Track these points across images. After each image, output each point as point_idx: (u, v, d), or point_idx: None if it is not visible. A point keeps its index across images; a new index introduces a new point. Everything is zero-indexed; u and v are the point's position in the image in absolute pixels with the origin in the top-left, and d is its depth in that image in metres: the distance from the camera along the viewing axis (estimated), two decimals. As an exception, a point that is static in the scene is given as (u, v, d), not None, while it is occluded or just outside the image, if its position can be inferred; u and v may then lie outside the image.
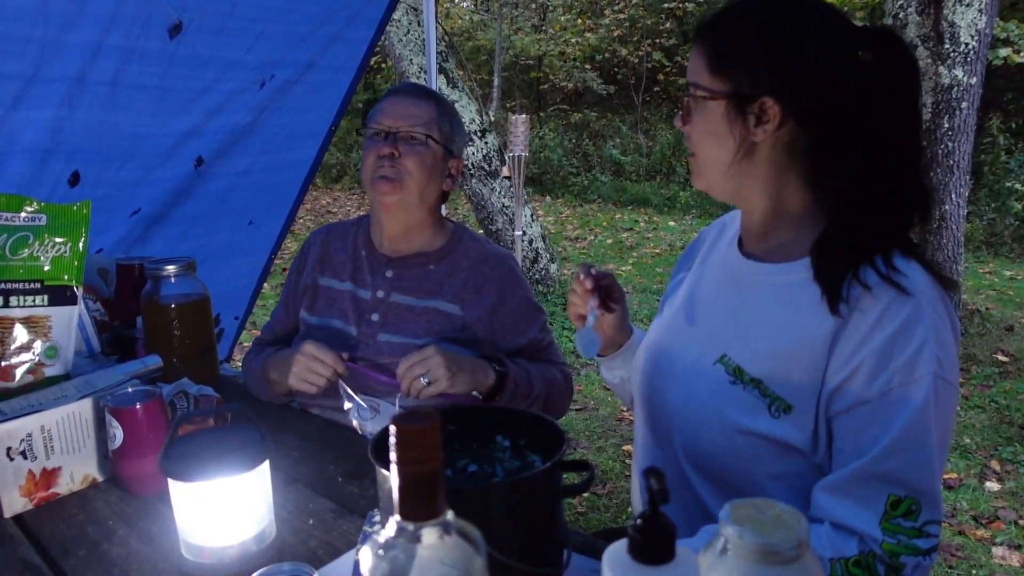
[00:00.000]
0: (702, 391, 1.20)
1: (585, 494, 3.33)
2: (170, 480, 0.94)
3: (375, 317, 1.75)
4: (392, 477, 0.59)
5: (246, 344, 4.27)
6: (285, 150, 3.04)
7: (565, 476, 1.02)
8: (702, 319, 1.30)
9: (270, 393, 1.77)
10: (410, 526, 0.59)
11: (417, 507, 0.59)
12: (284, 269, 6.69)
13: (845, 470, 1.04)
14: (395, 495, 0.59)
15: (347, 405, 1.60)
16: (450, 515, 0.61)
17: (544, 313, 1.86)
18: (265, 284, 3.59)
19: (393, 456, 0.58)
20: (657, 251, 8.09)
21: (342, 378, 1.61)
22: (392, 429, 0.57)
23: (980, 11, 4.72)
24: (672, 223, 9.47)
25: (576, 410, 4.27)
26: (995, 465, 3.60)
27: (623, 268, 7.37)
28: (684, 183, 10.82)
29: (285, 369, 1.65)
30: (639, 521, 0.66)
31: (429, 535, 0.60)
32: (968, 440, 3.84)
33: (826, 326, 1.08)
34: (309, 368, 1.60)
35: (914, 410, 1.02)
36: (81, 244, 1.53)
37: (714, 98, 1.16)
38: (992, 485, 3.42)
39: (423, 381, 1.50)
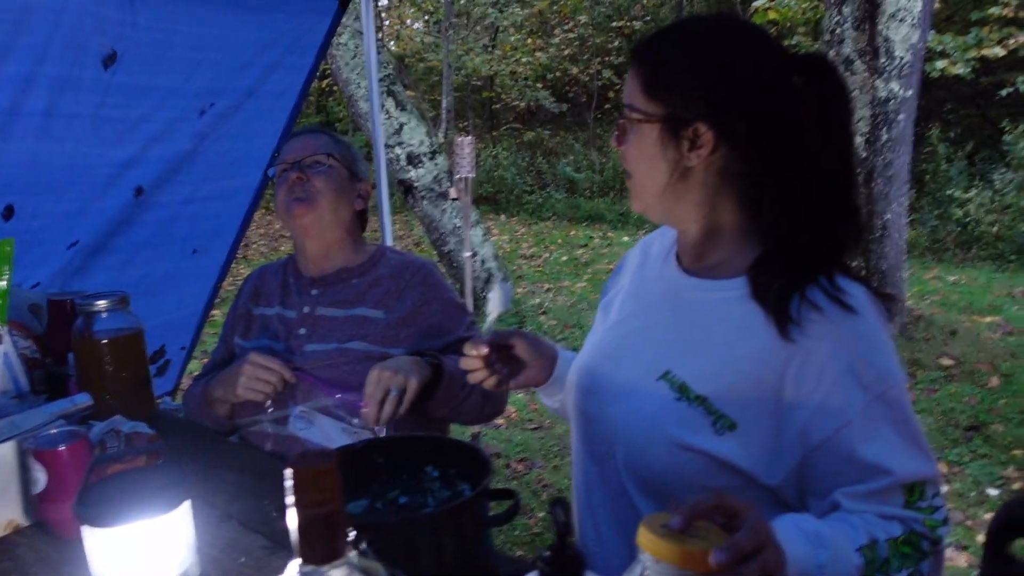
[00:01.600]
0: (646, 408, 1.20)
1: (540, 515, 3.33)
2: (83, 527, 0.92)
3: (302, 331, 1.84)
4: (291, 520, 0.59)
5: (195, 373, 4.21)
6: (228, 177, 3.02)
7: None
8: (641, 334, 1.30)
9: (212, 416, 1.86)
10: (311, 569, 0.59)
11: (317, 550, 0.59)
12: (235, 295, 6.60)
13: (870, 486, 1.06)
14: (294, 538, 0.59)
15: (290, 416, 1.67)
16: (352, 555, 0.61)
17: (470, 314, 1.94)
18: (215, 311, 3.55)
19: (291, 499, 0.58)
20: (612, 267, 8.10)
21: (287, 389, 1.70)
22: (288, 472, 0.57)
23: (913, 26, 4.85)
24: (626, 238, 9.54)
25: (532, 429, 4.27)
26: (942, 467, 3.68)
27: (578, 284, 7.41)
28: (637, 198, 10.90)
29: (231, 382, 1.75)
30: (547, 553, 0.67)
31: (333, 577, 0.60)
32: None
33: (775, 347, 1.09)
34: (256, 376, 1.71)
35: (899, 414, 1.07)
36: (5, 282, 1.50)
37: (648, 121, 1.17)
38: (939, 489, 3.49)
39: (393, 393, 1.55)
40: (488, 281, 6.44)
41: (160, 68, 2.49)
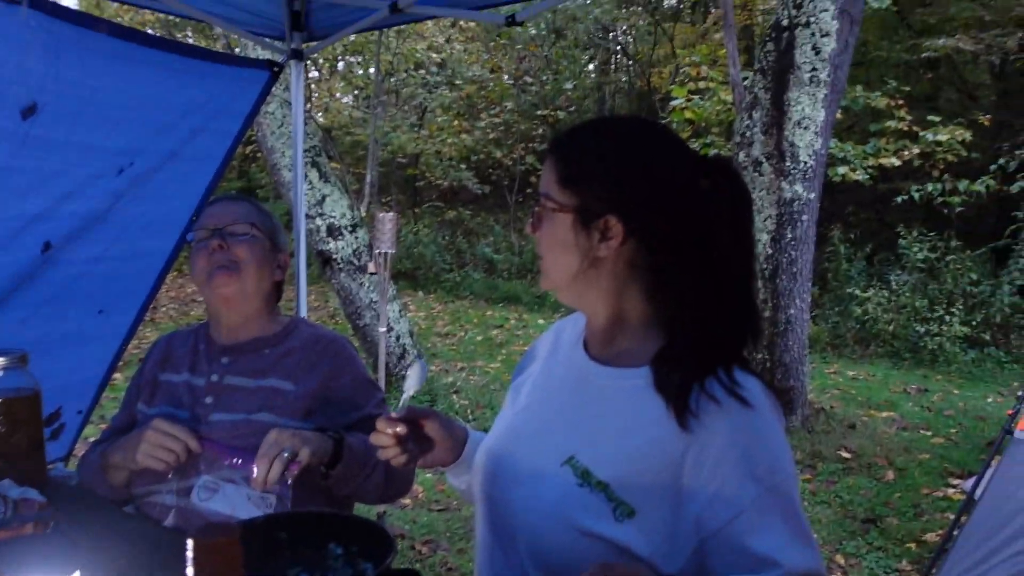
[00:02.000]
0: (549, 493, 1.21)
1: (444, 597, 3.25)
2: (-35, 595, 0.87)
3: (208, 400, 1.79)
4: (193, 591, 0.58)
5: (92, 438, 4.01)
6: (143, 238, 2.94)
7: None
8: (548, 419, 1.31)
9: (108, 484, 1.77)
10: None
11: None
12: (140, 359, 6.37)
13: None
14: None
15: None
16: (255, 628, 0.60)
17: (381, 391, 1.92)
18: (117, 375, 3.42)
19: (191, 571, 0.57)
20: (526, 348, 8.17)
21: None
22: (190, 543, 0.56)
23: (816, 133, 5.18)
24: (541, 321, 9.65)
25: (438, 510, 4.20)
26: (839, 559, 3.76)
27: (492, 365, 7.42)
28: (555, 281, 11.08)
29: (130, 448, 1.67)
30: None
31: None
32: (814, 535, 4.00)
33: (675, 436, 1.13)
34: (159, 443, 1.63)
35: (788, 507, 1.11)
36: None
37: (562, 210, 1.22)
38: (836, 579, 3.56)
39: (285, 455, 1.52)
40: (402, 357, 6.40)
41: (80, 123, 2.44)
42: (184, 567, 1.28)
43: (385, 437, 1.31)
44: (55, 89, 2.32)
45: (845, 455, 5.07)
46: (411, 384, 1.34)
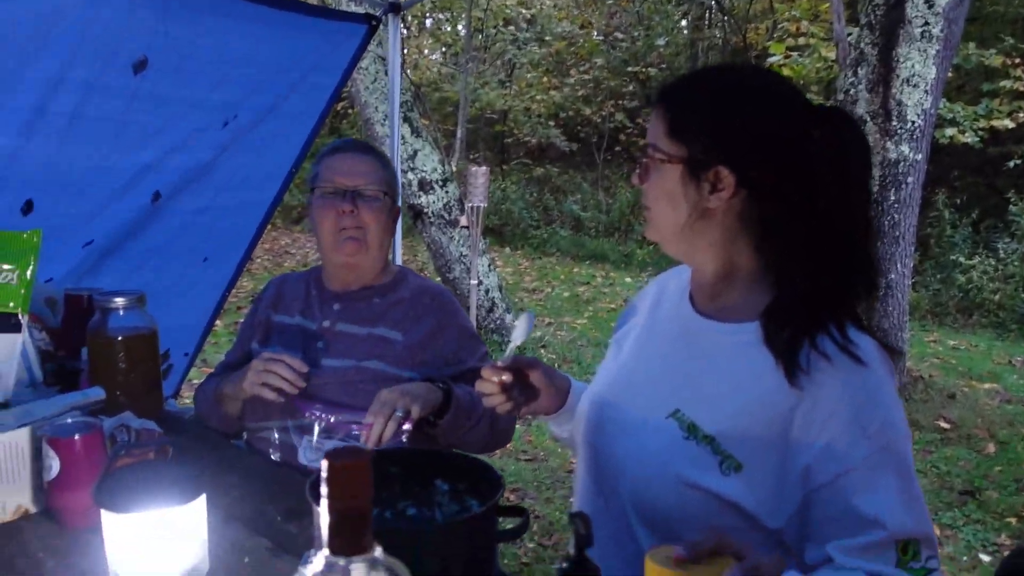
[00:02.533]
0: (654, 445, 1.21)
1: (531, 545, 3.32)
2: (103, 511, 0.93)
3: (320, 344, 1.84)
4: (322, 512, 0.60)
5: (195, 381, 4.20)
6: (244, 190, 3.04)
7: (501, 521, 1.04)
8: (653, 372, 1.31)
9: (221, 414, 1.85)
10: (339, 561, 0.61)
11: (346, 542, 0.60)
12: (239, 307, 6.62)
13: (863, 539, 1.06)
14: (324, 530, 0.60)
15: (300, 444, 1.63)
16: (378, 552, 0.62)
17: (484, 345, 1.94)
18: (218, 322, 3.56)
19: (324, 491, 0.59)
20: (612, 306, 8.17)
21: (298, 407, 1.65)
22: (324, 464, 0.59)
23: (926, 92, 4.93)
24: (628, 279, 9.58)
25: (526, 460, 4.26)
26: (935, 530, 3.66)
27: (579, 321, 7.42)
28: (642, 241, 10.98)
29: (241, 378, 1.71)
30: (564, 564, 0.68)
31: (357, 570, 0.61)
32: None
33: (784, 393, 1.11)
34: (267, 369, 1.66)
35: (900, 468, 1.08)
36: (29, 272, 1.52)
37: (671, 162, 1.20)
38: (930, 550, 3.47)
39: (398, 414, 1.54)
40: (491, 311, 6.46)
41: (187, 78, 2.52)
42: (295, 493, 1.34)
43: (491, 385, 1.33)
44: (164, 45, 2.39)
45: (943, 425, 4.91)
46: (518, 334, 1.35)
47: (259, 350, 1.90)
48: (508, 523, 1.01)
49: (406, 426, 1.56)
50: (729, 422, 1.15)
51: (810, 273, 1.16)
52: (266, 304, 1.98)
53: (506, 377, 1.32)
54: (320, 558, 0.61)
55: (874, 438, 1.08)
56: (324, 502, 0.60)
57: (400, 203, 1.98)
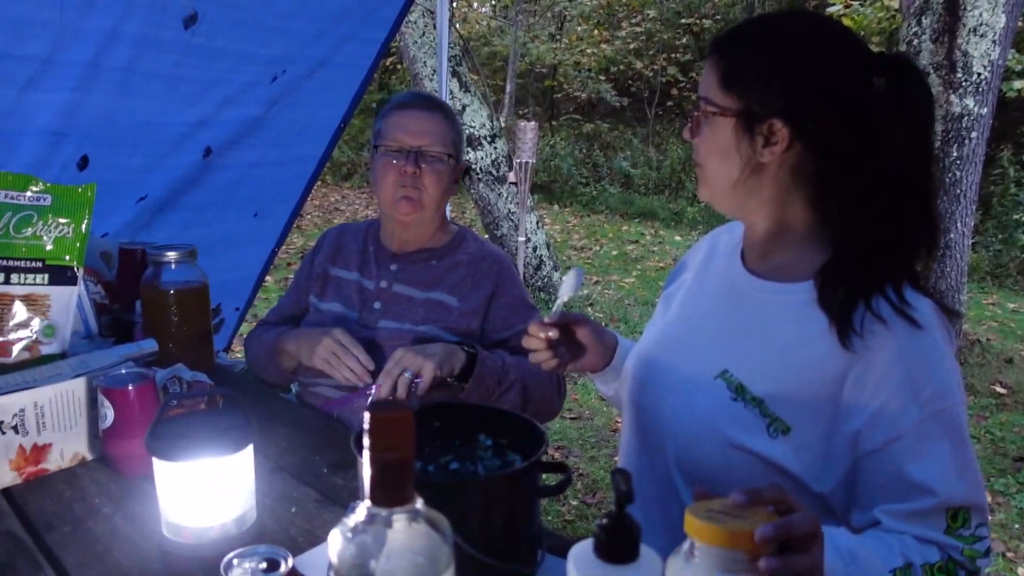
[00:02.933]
0: (701, 405, 1.20)
1: (574, 502, 3.34)
2: (154, 459, 0.96)
3: (377, 305, 1.84)
4: (364, 463, 0.61)
5: (246, 335, 4.29)
6: (294, 144, 3.06)
7: (546, 477, 1.04)
8: (702, 331, 1.29)
9: (276, 366, 1.86)
10: (380, 512, 0.61)
11: (388, 493, 0.61)
12: (289, 263, 6.71)
13: (912, 505, 1.05)
14: (366, 481, 0.61)
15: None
16: (420, 503, 0.63)
17: (537, 314, 1.89)
18: (268, 277, 3.62)
19: (366, 442, 0.60)
20: (662, 265, 8.10)
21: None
22: (366, 416, 0.59)
23: (994, 42, 4.73)
24: (678, 238, 9.48)
25: (571, 419, 4.28)
26: (987, 497, 3.60)
27: (627, 280, 7.38)
28: (692, 198, 10.83)
29: (309, 345, 1.72)
30: (605, 521, 0.68)
31: (399, 521, 0.62)
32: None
33: (837, 355, 1.08)
34: (335, 353, 1.66)
35: (953, 435, 1.05)
36: (84, 226, 1.55)
37: (723, 115, 1.16)
38: (982, 515, 3.42)
39: (408, 375, 1.55)
40: (539, 268, 6.46)
41: (237, 32, 2.53)
42: (342, 446, 1.37)
43: (536, 341, 1.33)
44: (213, -1, 2.40)
45: (1000, 390, 4.79)
46: (565, 290, 1.33)
47: (317, 304, 1.92)
48: (551, 479, 1.01)
49: (420, 383, 1.55)
50: (778, 384, 1.13)
51: (868, 230, 1.13)
52: (324, 257, 1.97)
53: (552, 333, 1.32)
54: (362, 509, 0.62)
55: (927, 404, 1.05)
56: (366, 454, 0.60)
57: (463, 162, 1.94)
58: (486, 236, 6.65)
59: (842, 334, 1.08)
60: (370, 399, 1.58)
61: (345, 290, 1.90)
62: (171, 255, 1.65)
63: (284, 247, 3.49)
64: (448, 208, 3.14)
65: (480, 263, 1.86)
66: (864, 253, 1.12)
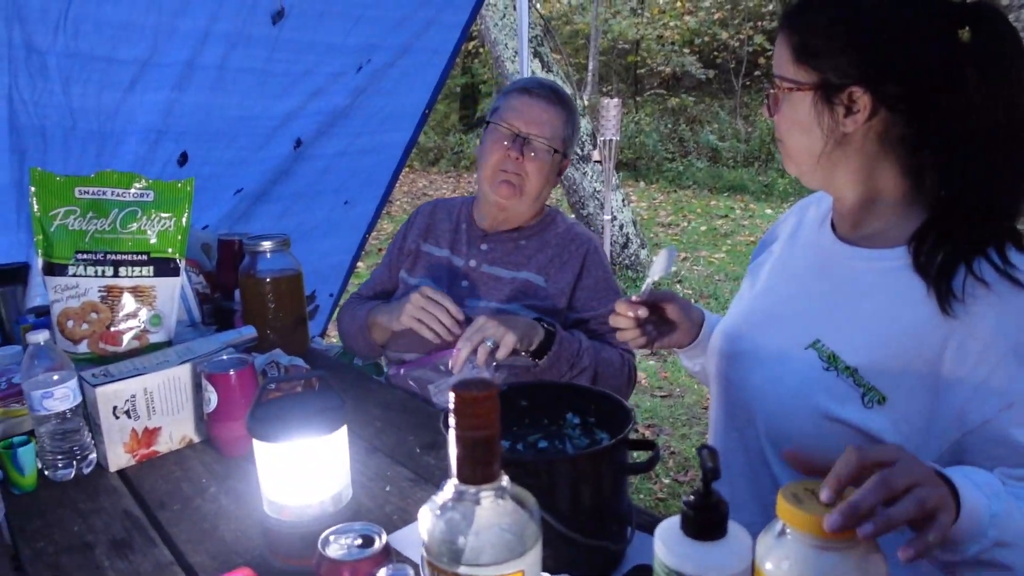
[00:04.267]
0: (792, 376, 1.18)
1: (666, 480, 3.32)
2: (255, 440, 1.00)
3: (465, 283, 1.87)
4: (451, 442, 0.62)
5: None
6: (380, 132, 3.12)
7: (634, 455, 1.04)
8: (791, 302, 1.27)
9: (366, 339, 1.91)
10: (468, 489, 0.63)
11: (474, 471, 0.62)
12: (380, 249, 6.84)
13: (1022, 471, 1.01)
14: (453, 459, 0.62)
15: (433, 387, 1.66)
16: (506, 481, 0.64)
17: (621, 295, 1.88)
18: (360, 263, 3.70)
19: (452, 421, 0.61)
20: (752, 239, 7.92)
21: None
22: (451, 396, 0.61)
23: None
24: (769, 211, 9.24)
25: (661, 396, 4.25)
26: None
27: (716, 256, 7.25)
28: (782, 171, 10.51)
29: (398, 309, 1.74)
30: (692, 498, 0.68)
31: (486, 498, 0.63)
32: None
33: (936, 323, 1.04)
34: (423, 307, 1.68)
35: None
36: (184, 219, 1.62)
37: (800, 89, 1.13)
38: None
39: (488, 344, 1.55)
40: (625, 247, 6.41)
41: (323, 24, 2.59)
42: (434, 426, 1.40)
43: (625, 319, 1.33)
44: (299, -7, 2.46)
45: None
46: (657, 269, 1.33)
47: (407, 279, 1.95)
48: (640, 456, 1.01)
49: (500, 353, 1.55)
50: (873, 352, 1.10)
51: (965, 191, 1.08)
52: (416, 233, 2.00)
53: (641, 312, 1.31)
54: (450, 486, 0.63)
55: None
56: (452, 432, 0.62)
57: (570, 157, 1.94)
58: (572, 216, 6.63)
59: (942, 300, 1.04)
60: (450, 363, 1.59)
61: (435, 266, 1.92)
62: (266, 245, 1.71)
63: (375, 233, 3.56)
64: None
65: (569, 244, 1.87)
66: (965, 213, 1.08)
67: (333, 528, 0.89)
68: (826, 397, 1.12)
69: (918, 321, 1.06)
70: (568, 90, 6.61)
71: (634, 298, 1.33)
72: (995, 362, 1.01)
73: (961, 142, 1.07)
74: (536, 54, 6.20)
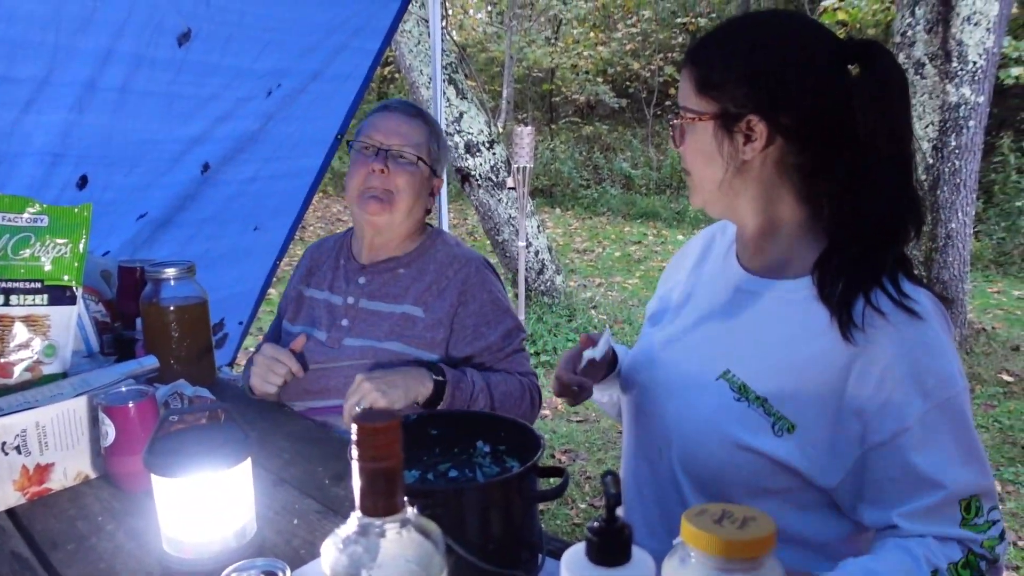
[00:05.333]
0: (705, 406, 1.20)
1: (582, 505, 3.34)
2: (152, 475, 0.96)
3: (344, 323, 1.81)
4: (353, 473, 0.61)
5: (250, 349, 4.30)
6: (291, 158, 3.08)
7: (550, 480, 1.04)
8: (701, 331, 1.30)
9: (258, 396, 1.83)
10: (372, 521, 0.62)
11: (377, 503, 0.61)
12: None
13: (925, 501, 1.06)
14: (356, 491, 0.61)
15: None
16: (410, 512, 0.63)
17: (512, 320, 1.83)
18: (271, 290, 3.62)
19: (354, 452, 0.60)
20: (664, 264, 8.08)
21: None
22: (353, 427, 0.60)
23: (988, 30, 4.72)
24: (681, 237, 9.47)
25: (577, 421, 4.28)
26: (997, 486, 3.58)
27: (630, 281, 7.39)
28: (694, 197, 10.80)
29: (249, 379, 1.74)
30: (596, 524, 0.68)
31: (390, 530, 0.62)
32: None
33: (839, 350, 1.09)
34: (268, 369, 1.69)
35: (958, 423, 1.06)
36: (81, 245, 1.56)
37: (702, 119, 1.18)
38: (992, 505, 3.41)
39: (357, 409, 1.52)
40: (541, 272, 6.46)
41: (231, 48, 2.54)
42: (344, 456, 1.37)
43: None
44: (207, 15, 2.41)
45: (1007, 378, 4.78)
46: (599, 351, 1.35)
47: (289, 328, 1.91)
48: (551, 482, 1.01)
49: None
50: (781, 382, 1.13)
51: (855, 217, 1.14)
52: (298, 278, 1.97)
53: (586, 394, 1.37)
54: (353, 519, 0.62)
55: (931, 394, 1.05)
56: (354, 464, 0.61)
57: (442, 178, 1.92)
58: (488, 243, 6.65)
59: (843, 327, 1.08)
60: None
61: (316, 310, 1.87)
62: (169, 272, 1.66)
63: (286, 259, 3.50)
64: (446, 216, 3.15)
65: (446, 269, 1.80)
66: (858, 238, 1.13)
67: (235, 565, 0.86)
68: (738, 427, 1.15)
69: (823, 350, 1.10)
70: (483, 118, 6.65)
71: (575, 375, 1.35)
72: (892, 387, 1.06)
73: (851, 171, 1.13)
74: (451, 81, 6.23)
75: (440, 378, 1.63)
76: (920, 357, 1.07)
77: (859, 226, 1.13)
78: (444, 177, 1.95)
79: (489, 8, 16.30)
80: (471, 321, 1.76)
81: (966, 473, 1.05)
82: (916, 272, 1.16)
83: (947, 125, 4.85)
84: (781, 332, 1.16)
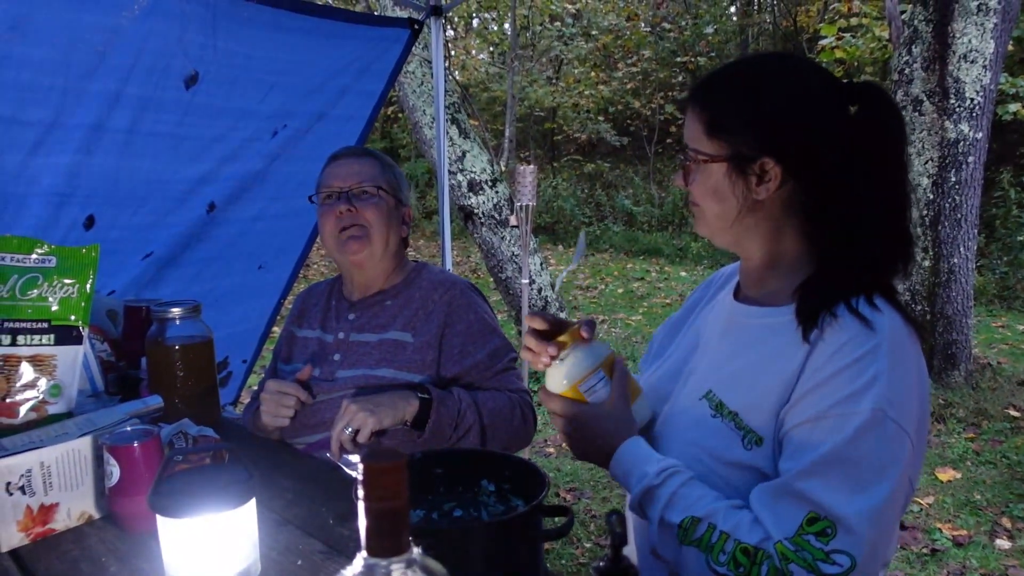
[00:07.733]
0: (689, 426, 1.23)
1: (588, 545, 3.31)
2: (157, 516, 0.96)
3: (336, 357, 1.86)
4: (359, 514, 0.61)
5: (254, 387, 4.30)
6: (296, 197, 3.10)
7: (555, 520, 1.04)
8: (693, 363, 1.33)
9: (262, 436, 1.86)
10: (377, 562, 0.62)
11: (383, 543, 0.61)
12: (296, 314, 6.72)
13: (776, 480, 1.08)
14: (362, 531, 0.61)
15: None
16: (416, 552, 0.63)
17: (499, 339, 1.86)
18: (275, 328, 3.63)
19: (360, 493, 0.60)
20: (668, 301, 8.10)
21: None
22: (359, 467, 0.60)
23: (985, 67, 4.78)
24: (683, 273, 9.49)
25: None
26: (1006, 522, 3.55)
27: (633, 318, 7.38)
28: (695, 234, 10.85)
29: (258, 416, 1.78)
30: (601, 563, 0.68)
31: (396, 571, 0.62)
32: (979, 496, 3.79)
33: (798, 359, 1.11)
34: (277, 403, 1.73)
35: (843, 439, 1.03)
36: (88, 286, 1.57)
37: (714, 161, 1.19)
38: (1002, 543, 3.37)
39: (347, 432, 1.57)
40: (544, 309, 6.46)
41: (237, 90, 2.59)
42: (348, 496, 1.37)
43: (532, 356, 1.29)
44: (214, 59, 2.46)
45: (1014, 413, 4.75)
46: (576, 256, 1.35)
47: (284, 368, 1.94)
48: (557, 521, 1.01)
49: (360, 437, 1.57)
50: (749, 395, 1.16)
51: (851, 249, 1.16)
52: (291, 320, 2.02)
53: (536, 324, 1.30)
54: (359, 560, 0.62)
55: (838, 403, 1.04)
56: (360, 504, 0.61)
57: (409, 204, 1.99)
58: (492, 280, 6.66)
59: (805, 330, 1.11)
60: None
61: (308, 349, 1.92)
62: (175, 311, 1.67)
63: (290, 297, 3.51)
64: (450, 254, 3.17)
65: (432, 294, 1.86)
66: (844, 268, 1.15)
67: (239, 607, 0.86)
68: (715, 441, 1.18)
69: (787, 364, 1.13)
70: (486, 156, 6.70)
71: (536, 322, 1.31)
72: (817, 381, 1.07)
73: (852, 207, 1.15)
74: (454, 120, 6.29)
75: (426, 395, 1.66)
76: (855, 360, 1.05)
77: (847, 256, 1.16)
78: (411, 205, 2.00)
79: (491, 49, 16.51)
80: (458, 340, 1.81)
81: (835, 494, 1.01)
82: (918, 306, 1.17)
83: (946, 161, 4.88)
84: (759, 353, 1.19)
